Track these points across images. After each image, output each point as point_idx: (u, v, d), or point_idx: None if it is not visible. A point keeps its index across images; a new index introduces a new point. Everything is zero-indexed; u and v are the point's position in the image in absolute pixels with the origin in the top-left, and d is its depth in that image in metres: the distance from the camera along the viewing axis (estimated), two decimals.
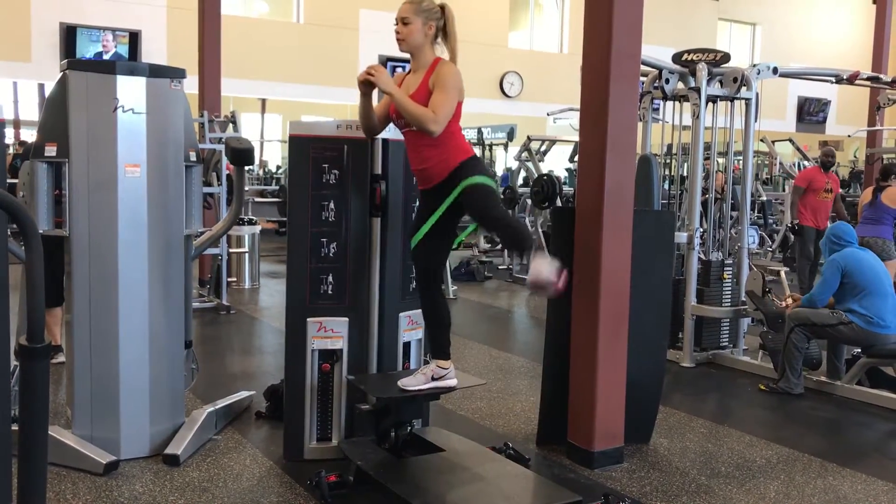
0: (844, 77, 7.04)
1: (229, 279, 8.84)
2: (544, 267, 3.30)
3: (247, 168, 4.98)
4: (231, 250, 9.14)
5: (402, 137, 4.07)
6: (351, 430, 4.08)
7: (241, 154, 4.43)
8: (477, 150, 14.76)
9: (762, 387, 5.70)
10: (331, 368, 4.07)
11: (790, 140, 14.09)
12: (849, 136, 17.28)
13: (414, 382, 3.71)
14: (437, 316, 3.82)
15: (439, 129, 3.41)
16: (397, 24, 3.57)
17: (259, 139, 20.08)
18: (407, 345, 4.22)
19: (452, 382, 3.80)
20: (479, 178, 3.47)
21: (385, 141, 4.02)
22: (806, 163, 14.53)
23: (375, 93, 3.63)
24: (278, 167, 20.83)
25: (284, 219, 12.91)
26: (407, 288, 4.17)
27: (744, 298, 6.38)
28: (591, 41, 4.16)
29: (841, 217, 9.23)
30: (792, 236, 12.18)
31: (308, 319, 4.00)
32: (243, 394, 4.94)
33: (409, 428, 4.01)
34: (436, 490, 3.51)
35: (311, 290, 4.00)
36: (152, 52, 13.13)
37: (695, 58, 6.43)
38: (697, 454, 4.42)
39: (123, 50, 12.99)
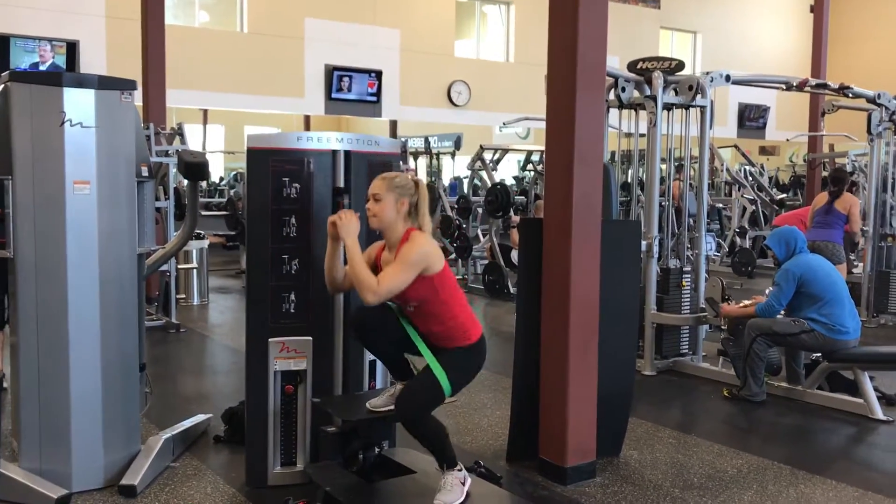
0: (794, 84, 7.14)
1: (178, 296, 8.57)
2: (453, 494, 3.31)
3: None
4: (179, 266, 8.86)
5: (365, 149, 3.97)
6: (316, 454, 3.93)
7: (196, 168, 4.25)
8: (424, 160, 14.69)
9: (726, 393, 5.70)
10: (294, 390, 3.92)
11: (735, 146, 14.32)
12: (787, 139, 17.66)
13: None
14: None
15: (375, 301, 3.28)
16: (368, 200, 3.42)
17: (202, 150, 19.70)
18: (373, 363, 4.08)
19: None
20: (442, 377, 3.33)
21: (347, 153, 3.90)
22: (748, 168, 14.74)
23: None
24: (221, 178, 20.46)
25: (233, 232, 12.62)
26: None
27: (703, 305, 6.40)
28: (555, 50, 4.09)
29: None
30: (739, 241, 12.40)
31: (270, 340, 3.84)
32: (200, 417, 4.76)
33: (378, 450, 3.89)
34: None
35: (272, 308, 3.85)
36: (91, 63, 12.74)
37: (650, 66, 6.44)
38: (668, 465, 4.37)
39: (61, 60, 12.58)
